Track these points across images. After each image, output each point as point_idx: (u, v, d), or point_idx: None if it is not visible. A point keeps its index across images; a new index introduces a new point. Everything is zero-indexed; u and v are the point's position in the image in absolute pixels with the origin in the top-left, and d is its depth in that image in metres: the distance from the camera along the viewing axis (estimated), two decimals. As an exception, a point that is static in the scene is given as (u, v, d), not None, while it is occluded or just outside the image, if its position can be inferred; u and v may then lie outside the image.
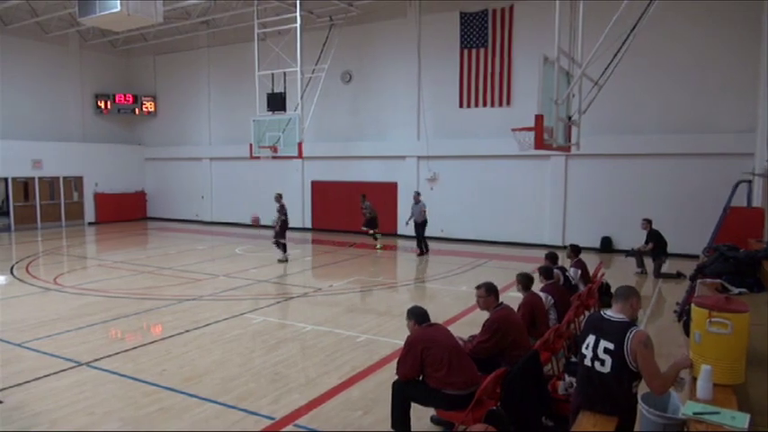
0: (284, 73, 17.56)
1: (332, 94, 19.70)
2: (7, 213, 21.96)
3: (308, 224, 21.53)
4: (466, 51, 17.83)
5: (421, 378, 4.67)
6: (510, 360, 4.93)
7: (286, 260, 14.52)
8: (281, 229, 14.50)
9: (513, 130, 10.10)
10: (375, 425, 5.27)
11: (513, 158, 16.74)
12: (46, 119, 22.88)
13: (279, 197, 14.68)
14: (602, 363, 3.72)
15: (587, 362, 3.82)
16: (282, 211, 14.49)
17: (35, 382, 6.36)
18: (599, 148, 15.29)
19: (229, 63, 22.78)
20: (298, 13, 16.41)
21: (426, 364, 4.58)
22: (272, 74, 17.79)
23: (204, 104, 24.11)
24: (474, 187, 18.15)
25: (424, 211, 15.75)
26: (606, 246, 16.05)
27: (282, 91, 17.53)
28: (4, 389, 6.10)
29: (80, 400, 5.88)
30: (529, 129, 8.41)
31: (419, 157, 19.04)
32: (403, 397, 4.70)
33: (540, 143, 7.80)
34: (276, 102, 17.36)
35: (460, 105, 18.12)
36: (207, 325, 8.73)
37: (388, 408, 4.79)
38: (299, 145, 16.40)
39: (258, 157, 17.73)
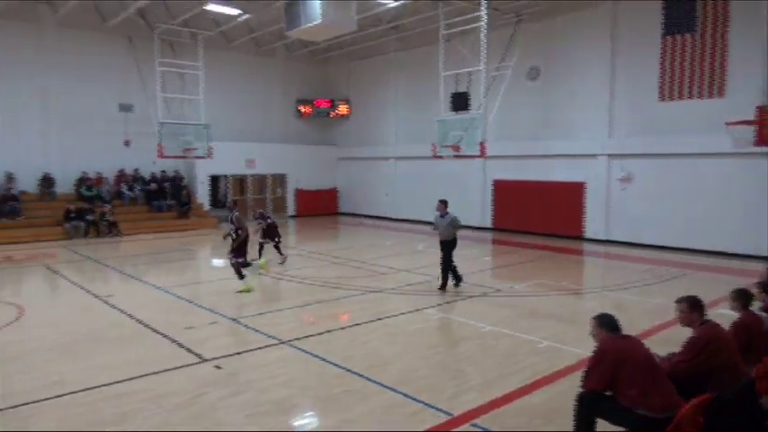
0: (468, 72, 17.63)
1: (516, 92, 19.26)
2: (226, 205, 25.38)
3: (488, 224, 21.37)
4: (669, 38, 16.14)
5: (610, 393, 4.36)
6: (717, 386, 4.36)
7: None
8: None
9: (728, 124, 8.91)
10: (556, 435, 5.07)
11: (724, 156, 14.75)
12: (257, 123, 25.95)
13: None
14: None
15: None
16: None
17: (246, 353, 7.28)
18: (842, 143, 12.75)
19: (415, 65, 23.56)
20: (483, 12, 16.34)
21: (618, 379, 4.24)
22: (457, 74, 17.97)
23: (391, 106, 25.30)
24: (674, 188, 16.34)
25: (456, 228, 11.18)
26: None
27: (466, 90, 17.62)
28: (224, 357, 7.08)
29: (281, 374, 6.58)
30: (748, 122, 7.33)
31: (610, 156, 17.75)
32: (589, 411, 4.43)
33: (763, 138, 6.73)
34: (460, 101, 17.50)
35: (660, 98, 16.46)
36: (390, 317, 9.16)
37: (571, 420, 4.56)
38: (482, 144, 16.33)
39: (441, 157, 18.04)
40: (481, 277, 12.87)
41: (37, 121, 20.24)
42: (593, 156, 18.10)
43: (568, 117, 18.74)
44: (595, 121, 18.03)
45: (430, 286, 11.46)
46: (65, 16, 19.54)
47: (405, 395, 5.92)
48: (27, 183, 19.85)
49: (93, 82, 21.21)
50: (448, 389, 6.13)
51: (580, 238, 18.40)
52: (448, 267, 10.93)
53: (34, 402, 5.73)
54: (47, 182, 20.22)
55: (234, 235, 10.88)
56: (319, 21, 14.31)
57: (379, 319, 9.03)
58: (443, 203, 11.31)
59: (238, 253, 10.84)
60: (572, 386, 5.05)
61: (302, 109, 27.59)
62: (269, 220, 14.37)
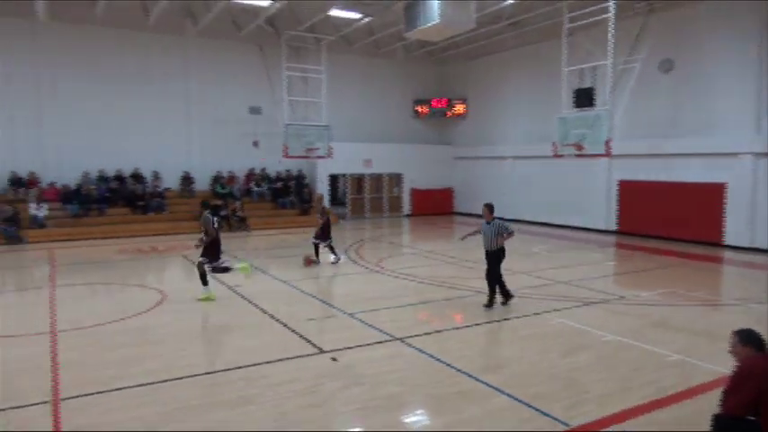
0: (593, 67, 16.77)
1: (647, 86, 17.99)
2: (344, 204, 26.38)
3: (613, 227, 20.17)
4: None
5: (753, 418, 3.91)
6: None
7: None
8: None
9: None
10: (686, 458, 4.67)
11: None
12: (375, 124, 26.59)
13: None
14: None
15: None
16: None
17: (361, 348, 7.50)
18: None
19: (535, 62, 22.83)
20: (610, 3, 15.43)
21: (763, 404, 3.80)
22: (580, 69, 17.15)
23: (509, 104, 24.73)
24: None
25: (504, 236, 9.61)
26: None
27: (591, 86, 16.77)
28: (340, 349, 7.34)
29: (394, 370, 6.70)
30: None
31: (756, 154, 15.96)
32: (726, 435, 4.02)
33: None
34: (583, 97, 16.70)
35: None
36: (505, 319, 8.97)
37: (704, 442, 4.18)
38: (607, 142, 15.46)
39: (561, 156, 17.34)
40: (603, 283, 12.19)
41: (180, 123, 22.32)
42: (736, 154, 16.39)
43: (707, 112, 17.13)
44: (739, 117, 16.32)
45: (547, 291, 11.06)
46: (204, 28, 21.33)
47: (518, 400, 5.77)
48: (170, 181, 21.97)
49: (227, 87, 22.97)
50: (564, 398, 5.88)
51: (718, 244, 16.77)
52: (495, 281, 9.58)
53: (170, 381, 6.33)
54: (187, 180, 22.23)
55: (203, 237, 10.17)
56: (437, 21, 14.36)
57: (493, 321, 8.88)
58: (488, 208, 9.79)
59: (207, 256, 10.17)
60: (705, 406, 4.64)
61: (419, 109, 27.85)
62: (324, 219, 14.06)
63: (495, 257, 9.57)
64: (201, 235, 10.21)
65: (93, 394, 5.92)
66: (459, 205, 28.02)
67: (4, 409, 5.54)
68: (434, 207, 27.41)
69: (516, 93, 24.33)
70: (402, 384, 6.27)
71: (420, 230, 22.82)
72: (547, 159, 19.82)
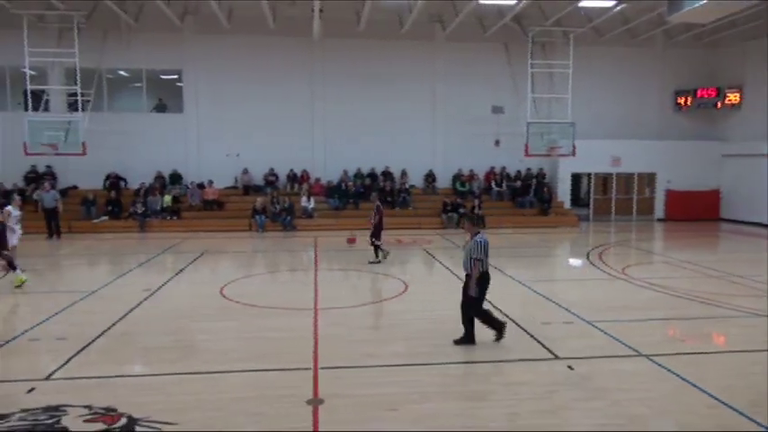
0: None
1: None
2: (587, 205, 24.87)
3: None
4: None
5: None
6: None
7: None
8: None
9: None
10: None
11: None
12: (626, 118, 24.38)
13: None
14: None
15: None
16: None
17: (601, 359, 7.03)
18: None
19: None
20: None
21: None
22: None
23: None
24: None
25: (474, 258, 7.50)
26: None
27: None
28: (577, 358, 6.98)
29: (638, 389, 6.11)
30: None
31: None
32: None
33: None
34: None
35: None
36: (785, 349, 7.49)
37: None
38: None
39: None
40: None
41: (426, 124, 23.63)
42: None
43: None
44: None
45: None
46: (452, 32, 22.18)
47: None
48: (415, 178, 23.45)
49: (471, 87, 23.49)
50: None
51: None
52: (476, 313, 7.53)
53: (410, 365, 6.77)
54: (429, 177, 23.47)
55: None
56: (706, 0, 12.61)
57: (770, 349, 7.48)
58: (468, 220, 8.03)
59: None
60: None
61: (681, 101, 24.73)
62: (375, 218, 13.91)
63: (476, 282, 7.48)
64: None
65: (344, 368, 6.67)
66: (729, 210, 24.13)
67: (276, 370, 6.59)
68: (694, 211, 24.09)
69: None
70: (648, 406, 5.69)
71: (675, 237, 20.33)
72: None
